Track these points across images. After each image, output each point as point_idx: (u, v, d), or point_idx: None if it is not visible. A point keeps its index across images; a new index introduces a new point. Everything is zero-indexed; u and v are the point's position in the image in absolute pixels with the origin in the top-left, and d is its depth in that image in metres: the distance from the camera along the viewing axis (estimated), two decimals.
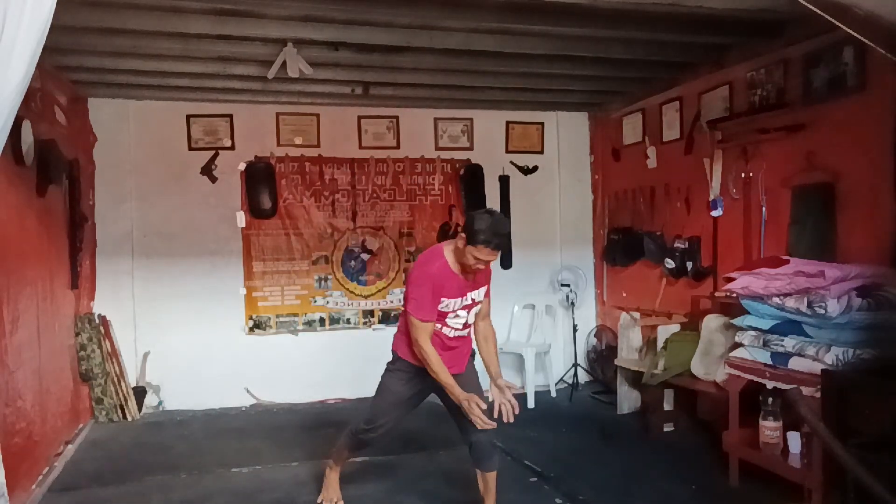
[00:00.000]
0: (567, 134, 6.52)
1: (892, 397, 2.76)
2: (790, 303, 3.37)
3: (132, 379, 5.50)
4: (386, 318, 6.10)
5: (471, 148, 6.28)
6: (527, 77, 5.09)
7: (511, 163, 6.37)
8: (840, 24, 2.76)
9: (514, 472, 4.11)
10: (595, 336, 6.36)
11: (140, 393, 5.46)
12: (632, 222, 5.88)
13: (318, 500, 3.62)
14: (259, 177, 5.75)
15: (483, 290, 3.20)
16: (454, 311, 3.13)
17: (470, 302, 3.15)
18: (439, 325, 3.13)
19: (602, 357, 6.17)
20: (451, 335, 3.19)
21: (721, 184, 4.71)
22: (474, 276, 3.09)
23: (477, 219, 2.93)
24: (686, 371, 4.41)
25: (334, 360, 5.84)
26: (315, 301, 5.93)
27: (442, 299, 3.05)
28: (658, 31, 4.06)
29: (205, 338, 5.65)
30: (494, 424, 3.02)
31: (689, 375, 4.39)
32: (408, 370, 3.23)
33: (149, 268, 5.61)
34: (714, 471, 3.94)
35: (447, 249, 3.08)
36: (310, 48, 4.23)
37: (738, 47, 4.41)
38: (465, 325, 3.22)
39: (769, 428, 3.57)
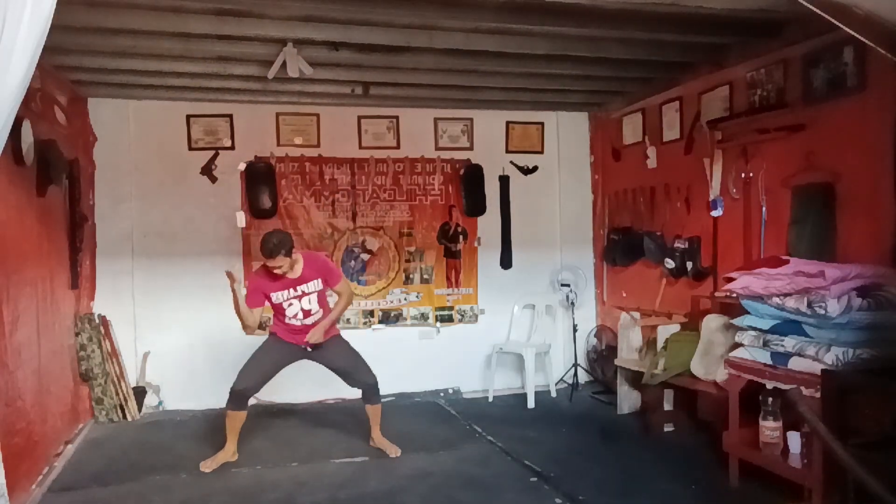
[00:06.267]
0: (567, 134, 6.51)
1: (892, 397, 2.76)
2: (790, 303, 3.36)
3: (132, 379, 5.50)
4: (386, 318, 6.10)
5: (471, 148, 6.28)
6: (527, 77, 5.09)
7: (511, 163, 6.37)
8: (840, 24, 2.75)
9: (514, 471, 4.11)
10: (595, 336, 6.36)
11: (140, 393, 5.46)
12: (632, 222, 5.88)
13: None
14: (259, 177, 5.74)
15: (314, 282, 4.20)
16: (287, 301, 4.18)
17: (300, 293, 4.18)
18: (284, 315, 4.22)
19: (602, 357, 6.17)
20: (296, 323, 4.24)
21: (721, 184, 4.71)
22: (297, 275, 4.14)
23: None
24: (686, 371, 4.41)
25: None
26: None
27: (270, 294, 4.16)
28: (658, 31, 4.06)
29: (205, 338, 5.65)
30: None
31: (689, 375, 4.38)
32: (273, 340, 4.33)
33: (149, 268, 5.61)
34: (714, 471, 3.94)
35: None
36: (310, 48, 4.23)
37: (738, 47, 4.41)
38: (307, 313, 4.23)
39: (769, 428, 3.57)
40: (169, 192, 5.65)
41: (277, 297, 4.19)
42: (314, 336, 4.20)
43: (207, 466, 4.18)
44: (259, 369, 4.27)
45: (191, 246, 5.69)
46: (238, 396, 4.23)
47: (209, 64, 4.58)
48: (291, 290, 4.18)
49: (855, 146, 3.69)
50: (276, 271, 4.04)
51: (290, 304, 4.21)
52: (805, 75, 4.00)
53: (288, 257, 4.02)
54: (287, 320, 4.25)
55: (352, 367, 4.37)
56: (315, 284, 4.22)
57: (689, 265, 5.08)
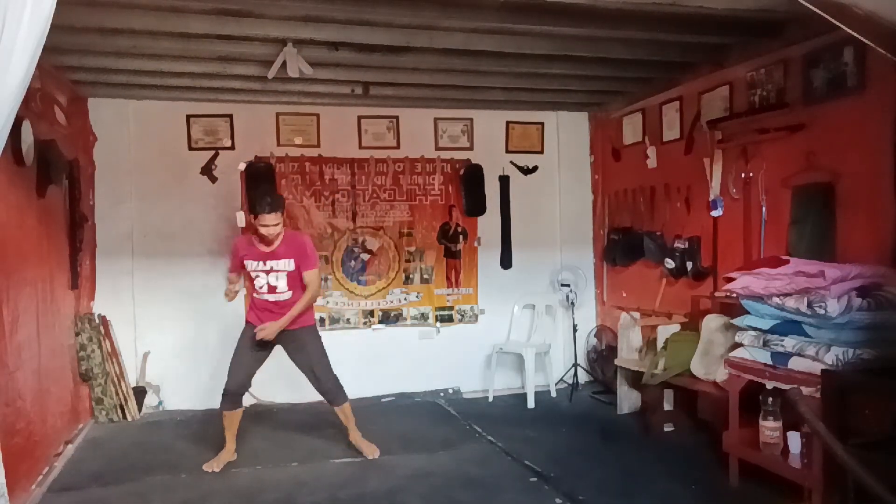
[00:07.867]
0: (567, 134, 6.51)
1: (892, 397, 2.76)
2: (790, 303, 3.36)
3: (132, 379, 5.50)
4: (386, 317, 6.10)
5: (471, 148, 6.28)
6: (527, 77, 5.09)
7: (511, 163, 6.37)
8: (840, 24, 2.75)
9: (514, 471, 4.11)
10: (595, 336, 6.36)
11: (140, 393, 5.47)
12: (632, 222, 5.88)
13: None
14: (259, 177, 5.74)
15: (286, 261, 4.09)
16: (255, 272, 4.13)
17: (269, 269, 4.11)
18: (253, 285, 4.19)
19: (602, 357, 6.17)
20: (264, 298, 4.17)
21: (721, 184, 4.71)
22: (272, 248, 4.07)
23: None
24: (686, 371, 4.41)
25: (334, 360, 5.76)
26: None
27: (245, 261, 4.14)
28: (658, 32, 4.06)
29: (205, 338, 5.65)
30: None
31: (689, 375, 4.39)
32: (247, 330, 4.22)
33: (149, 268, 5.61)
34: (714, 471, 3.94)
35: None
36: (310, 48, 4.23)
37: (738, 47, 4.41)
38: (272, 289, 4.15)
39: (769, 428, 3.57)
40: (169, 192, 5.65)
41: (249, 265, 4.15)
42: (264, 332, 4.08)
43: (211, 467, 4.18)
44: (242, 365, 4.24)
45: (191, 246, 5.69)
46: (230, 396, 4.25)
47: (209, 64, 4.58)
48: (262, 262, 4.12)
49: (855, 146, 3.69)
50: (261, 230, 3.99)
51: (258, 277, 4.15)
52: (805, 75, 4.00)
53: (282, 217, 4.03)
54: (256, 293, 4.22)
55: (309, 365, 4.29)
56: (286, 264, 4.11)
57: (689, 265, 5.08)
